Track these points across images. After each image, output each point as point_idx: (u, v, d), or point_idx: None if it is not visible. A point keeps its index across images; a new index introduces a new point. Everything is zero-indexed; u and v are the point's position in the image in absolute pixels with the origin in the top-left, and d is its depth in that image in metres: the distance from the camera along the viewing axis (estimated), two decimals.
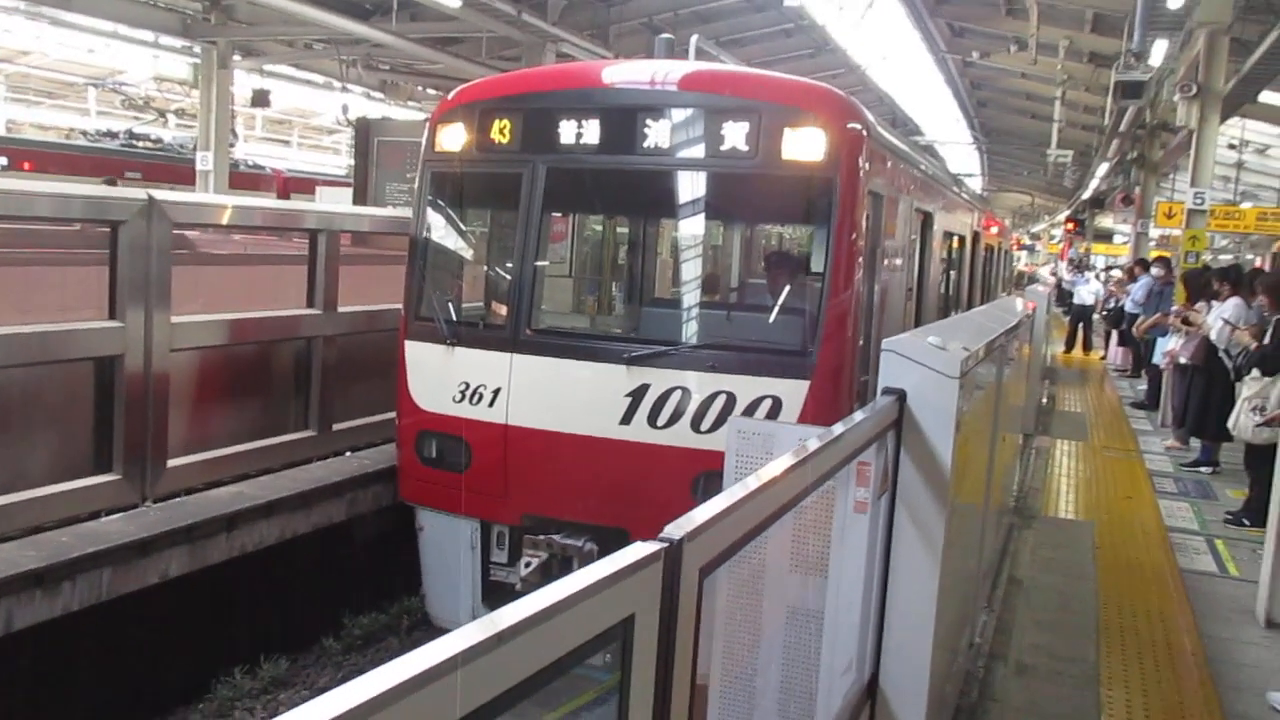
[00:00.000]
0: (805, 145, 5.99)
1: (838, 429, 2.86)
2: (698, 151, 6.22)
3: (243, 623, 6.66)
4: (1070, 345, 23.77)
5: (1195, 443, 11.38)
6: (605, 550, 2.68)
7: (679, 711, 1.72)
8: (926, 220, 8.90)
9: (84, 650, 5.66)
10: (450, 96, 7.06)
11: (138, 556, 5.62)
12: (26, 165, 19.22)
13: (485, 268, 7.63)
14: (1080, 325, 23.98)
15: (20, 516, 5.52)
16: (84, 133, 25.41)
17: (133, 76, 27.53)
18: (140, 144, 23.03)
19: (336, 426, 7.76)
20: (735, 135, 6.08)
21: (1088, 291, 23.87)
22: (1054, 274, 39.93)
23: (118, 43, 23.08)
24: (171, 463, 6.36)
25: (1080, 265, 31.89)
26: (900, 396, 3.47)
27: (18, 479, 5.69)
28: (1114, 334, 21.16)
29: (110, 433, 6.01)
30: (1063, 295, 28.00)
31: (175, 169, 21.62)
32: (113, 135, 23.21)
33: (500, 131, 6.61)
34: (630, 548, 1.57)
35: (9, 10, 21.05)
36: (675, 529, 1.69)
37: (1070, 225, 39.54)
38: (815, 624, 3.61)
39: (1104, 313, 22.84)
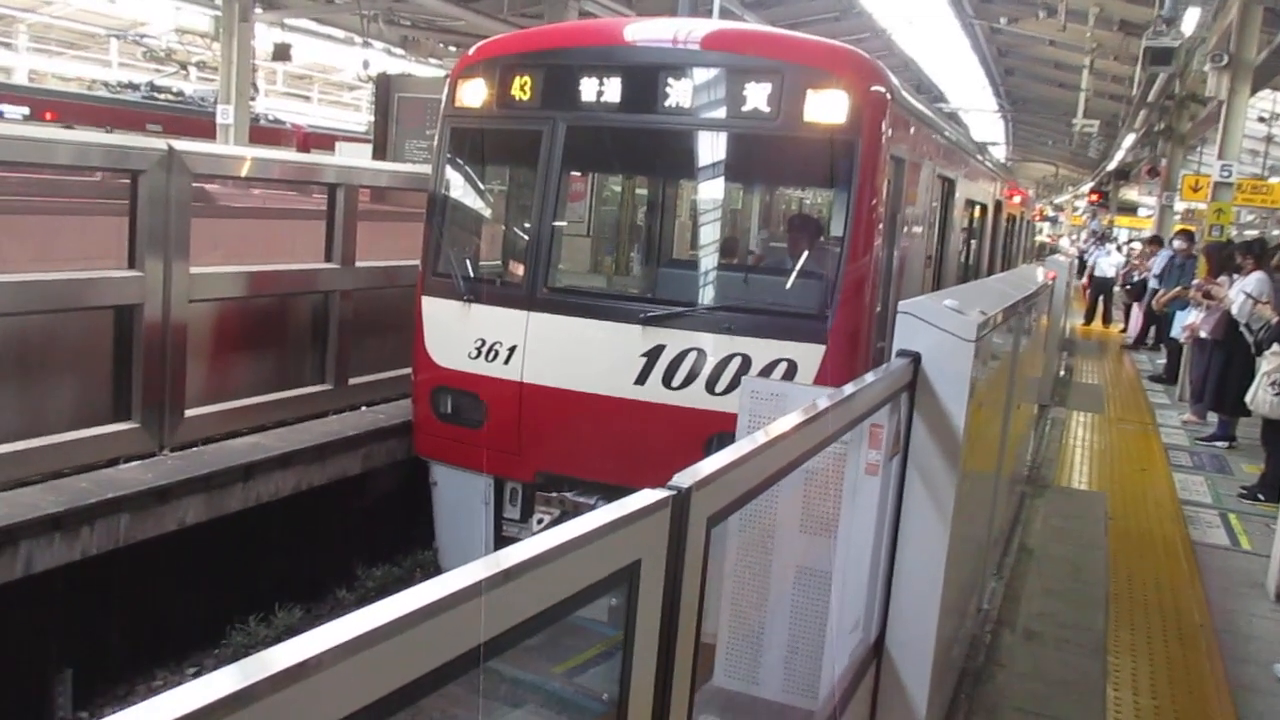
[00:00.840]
0: (828, 107, 5.94)
1: (849, 388, 2.86)
2: (719, 112, 6.17)
3: (258, 572, 6.74)
4: (1090, 317, 23.59)
5: (1213, 417, 11.32)
6: None
7: (683, 659, 1.74)
8: (948, 187, 8.82)
9: (102, 594, 5.75)
10: (471, 52, 7.02)
11: (155, 503, 5.69)
12: (49, 115, 19.24)
13: (503, 225, 7.62)
14: (1100, 298, 23.78)
15: (40, 461, 5.59)
16: (105, 84, 25.39)
17: (154, 28, 27.46)
18: (161, 96, 23.00)
19: (353, 381, 7.80)
20: (757, 96, 6.03)
21: (1109, 264, 23.61)
22: (1075, 244, 39.59)
23: None
24: (189, 412, 6.41)
25: (1102, 237, 31.57)
26: (915, 359, 3.47)
27: (39, 424, 5.76)
28: (1134, 307, 20.98)
29: (129, 381, 6.07)
30: (1085, 267, 27.74)
31: (196, 122, 21.59)
32: (134, 87, 23.19)
33: (521, 88, 6.57)
34: (639, 494, 1.58)
35: None
36: (684, 477, 1.70)
37: (1094, 197, 39.13)
38: (824, 583, 3.63)
39: (1125, 286, 22.63)
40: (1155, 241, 18.70)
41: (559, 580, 1.35)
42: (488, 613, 1.15)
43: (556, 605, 1.35)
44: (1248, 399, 8.71)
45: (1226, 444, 10.72)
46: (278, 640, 5.24)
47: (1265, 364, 8.48)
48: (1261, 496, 8.61)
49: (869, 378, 3.19)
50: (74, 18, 30.77)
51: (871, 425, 3.34)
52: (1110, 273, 23.47)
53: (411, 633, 1.10)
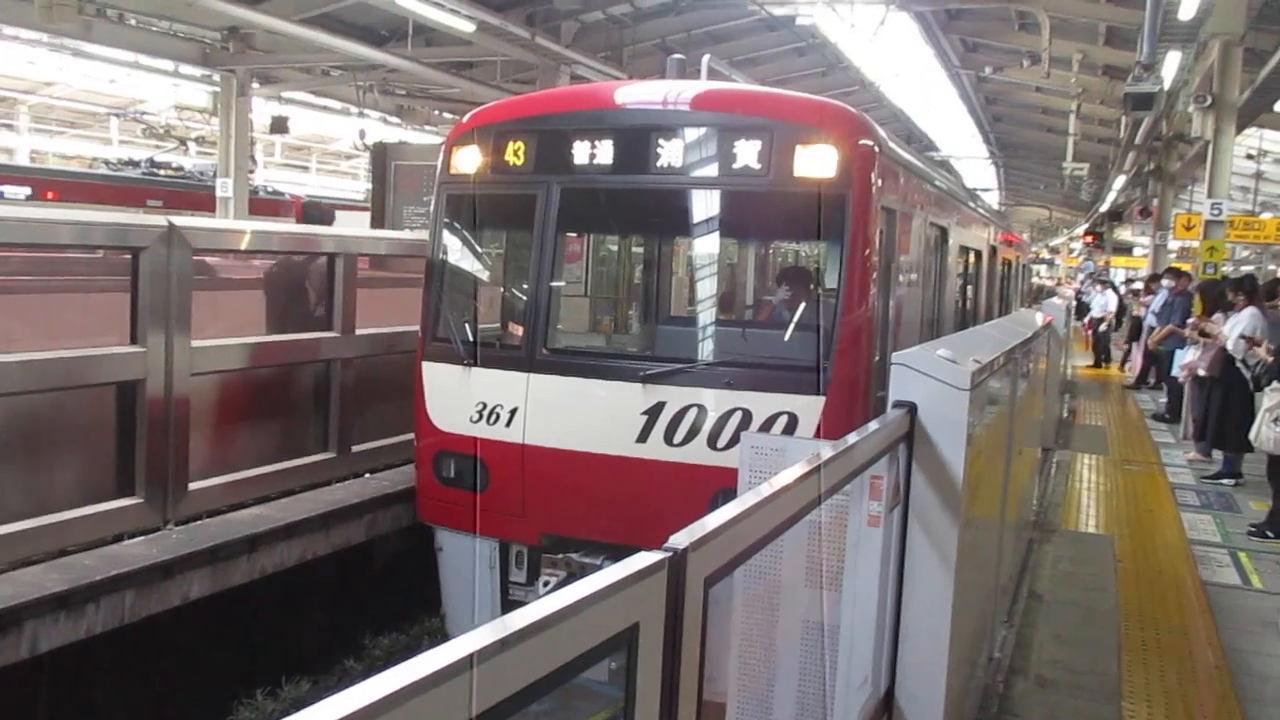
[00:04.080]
0: (817, 162, 6.02)
1: (847, 440, 2.88)
2: (710, 170, 6.26)
3: (264, 644, 6.70)
4: (1098, 360, 23.49)
5: (1218, 455, 11.29)
6: None
7: None
8: (942, 235, 8.90)
9: (107, 672, 5.71)
10: (464, 120, 7.14)
11: (160, 579, 5.67)
12: (50, 195, 19.47)
13: (501, 288, 7.69)
14: (1100, 338, 23.72)
15: (45, 540, 5.58)
16: (106, 162, 25.73)
17: (154, 105, 27.91)
18: (161, 172, 23.30)
19: (356, 448, 7.82)
20: (747, 153, 6.12)
21: (1102, 305, 23.60)
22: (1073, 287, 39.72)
23: (139, 73, 23.39)
24: (193, 486, 6.42)
25: (1098, 279, 31.67)
26: (911, 409, 3.49)
27: (42, 503, 5.76)
28: (1134, 347, 20.99)
29: (132, 456, 6.08)
30: (1082, 309, 27.81)
31: (196, 196, 21.86)
32: (134, 164, 23.50)
33: (514, 153, 6.67)
34: (634, 556, 1.60)
35: (32, 43, 21.39)
36: (680, 538, 1.72)
37: (1089, 239, 39.39)
38: (831, 638, 3.62)
39: (1108, 325, 22.70)
40: (1156, 279, 18.76)
41: (556, 647, 1.36)
42: (485, 682, 1.17)
43: (555, 672, 1.36)
44: (1251, 435, 8.69)
45: (1233, 481, 10.68)
46: (285, 714, 5.20)
47: (1266, 400, 8.48)
48: (1270, 533, 8.56)
49: (867, 428, 3.20)
50: (74, 97, 31.28)
51: (872, 477, 3.35)
52: (1102, 314, 23.47)
53: (411, 704, 1.11)
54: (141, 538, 6.00)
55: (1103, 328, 23.40)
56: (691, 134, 6.29)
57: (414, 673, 1.12)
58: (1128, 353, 22.21)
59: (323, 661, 7.04)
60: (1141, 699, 5.37)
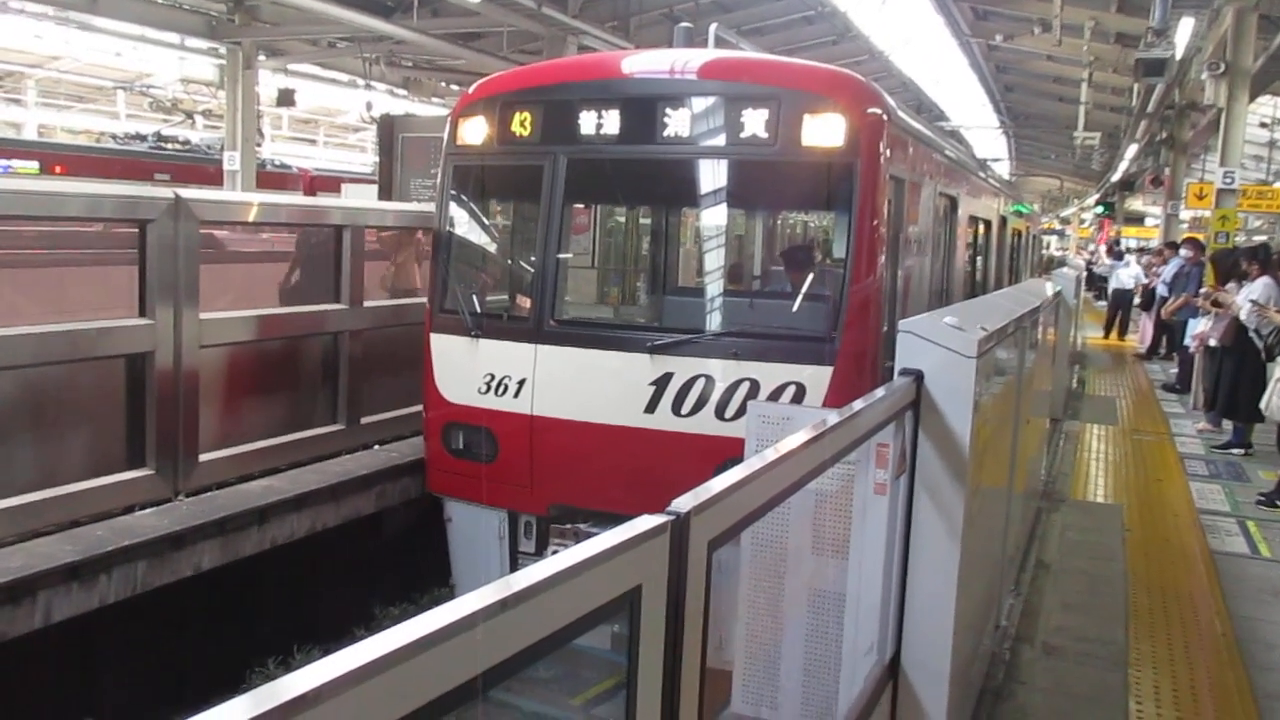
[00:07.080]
0: (825, 131, 5.98)
1: (853, 406, 2.88)
2: (718, 140, 6.22)
3: (275, 614, 6.75)
4: (1109, 331, 23.30)
5: (1228, 425, 11.26)
6: None
7: (690, 684, 1.75)
8: (951, 205, 8.85)
9: (120, 641, 5.77)
10: (471, 91, 7.10)
11: (171, 549, 5.71)
12: (58, 169, 19.47)
13: (508, 260, 7.68)
14: (1119, 310, 23.45)
15: (57, 511, 5.62)
16: (113, 136, 25.70)
17: (160, 79, 27.81)
18: (169, 146, 23.27)
19: (364, 420, 7.83)
20: (755, 122, 6.08)
21: (1128, 275, 23.20)
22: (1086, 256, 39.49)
23: (145, 46, 23.32)
24: (203, 457, 6.45)
25: (1118, 252, 31.41)
26: (917, 377, 3.48)
27: (55, 474, 5.80)
28: (1144, 317, 20.84)
29: (142, 429, 6.11)
30: (1093, 279, 27.61)
31: (203, 169, 21.85)
32: (141, 138, 23.47)
33: (521, 124, 6.64)
34: (637, 520, 1.60)
35: (38, 16, 21.33)
36: (683, 502, 1.72)
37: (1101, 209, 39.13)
38: (838, 605, 3.63)
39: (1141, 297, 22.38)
40: (1171, 247, 18.58)
41: (558, 608, 1.37)
42: (488, 640, 1.17)
43: (557, 632, 1.37)
44: (1262, 405, 8.67)
45: (1243, 451, 10.65)
46: None
47: (1277, 370, 8.45)
48: (1279, 503, 8.55)
49: (873, 395, 3.20)
50: (81, 71, 31.18)
51: (878, 445, 3.35)
52: (1130, 284, 23.12)
53: (414, 661, 1.12)
54: (152, 509, 6.04)
55: (1137, 300, 23.00)
56: (699, 103, 6.24)
57: (419, 630, 1.13)
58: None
59: (334, 631, 7.10)
60: (1148, 667, 5.39)
